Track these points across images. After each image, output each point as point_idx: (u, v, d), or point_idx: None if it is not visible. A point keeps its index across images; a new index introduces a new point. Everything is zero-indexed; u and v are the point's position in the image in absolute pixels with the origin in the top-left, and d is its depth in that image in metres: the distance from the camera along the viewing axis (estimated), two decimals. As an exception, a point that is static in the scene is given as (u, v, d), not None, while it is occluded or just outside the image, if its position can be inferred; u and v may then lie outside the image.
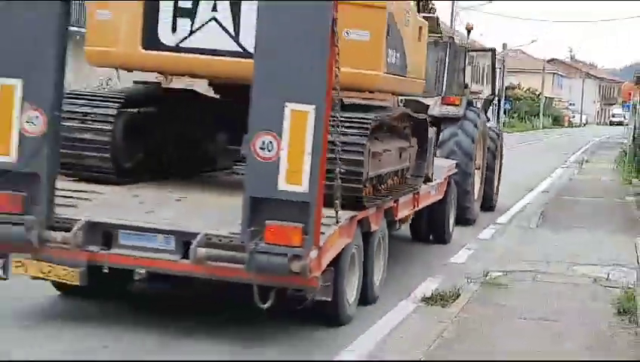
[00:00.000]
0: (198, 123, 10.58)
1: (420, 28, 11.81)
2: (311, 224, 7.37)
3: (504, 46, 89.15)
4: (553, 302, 10.62)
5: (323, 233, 7.65)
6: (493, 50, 21.35)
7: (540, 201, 22.97)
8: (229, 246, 7.68)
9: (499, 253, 14.33)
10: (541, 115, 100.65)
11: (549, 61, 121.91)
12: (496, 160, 19.71)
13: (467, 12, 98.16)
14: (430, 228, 14.95)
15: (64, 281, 8.10)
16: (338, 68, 7.54)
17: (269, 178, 7.38)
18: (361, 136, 8.85)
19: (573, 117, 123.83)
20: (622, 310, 10.05)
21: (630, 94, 49.09)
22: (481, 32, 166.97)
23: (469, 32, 21.74)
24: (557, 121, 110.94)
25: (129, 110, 9.68)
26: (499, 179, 20.25)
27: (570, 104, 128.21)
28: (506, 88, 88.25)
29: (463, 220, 16.78)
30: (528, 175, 31.86)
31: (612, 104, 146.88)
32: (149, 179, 9.80)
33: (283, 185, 7.39)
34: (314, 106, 7.32)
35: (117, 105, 9.48)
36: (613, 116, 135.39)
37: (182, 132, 10.55)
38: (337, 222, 8.08)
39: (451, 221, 15.28)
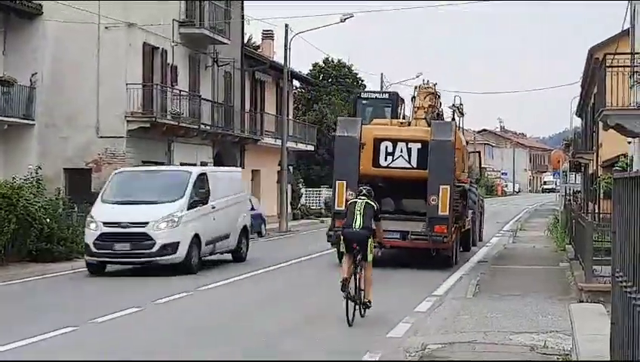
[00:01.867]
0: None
1: (469, 151, 30.78)
2: (450, 226, 23.70)
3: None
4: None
5: (452, 230, 24.08)
6: (479, 152, 37.17)
7: (476, 271, 23.16)
8: (421, 234, 23.64)
9: (436, 325, 14.35)
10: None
11: (479, 132, 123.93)
12: (482, 210, 35.07)
13: (397, 87, 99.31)
14: (462, 243, 27.63)
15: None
16: (462, 170, 27.20)
17: (435, 210, 23.42)
18: (459, 197, 25.75)
19: (506, 186, 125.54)
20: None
21: (559, 161, 50.00)
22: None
23: (467, 143, 34.45)
24: (490, 191, 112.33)
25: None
26: (483, 221, 35.07)
27: (503, 173, 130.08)
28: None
29: (471, 242, 30.24)
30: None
31: (543, 172, 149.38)
32: None
33: (440, 212, 23.43)
34: (449, 186, 23.59)
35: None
36: (544, 183, 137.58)
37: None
38: (454, 227, 24.55)
39: (471, 241, 29.92)
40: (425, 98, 26.96)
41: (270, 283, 20.85)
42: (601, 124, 25.92)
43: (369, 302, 14.77)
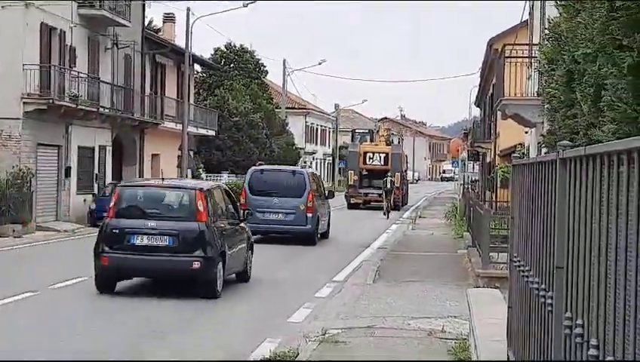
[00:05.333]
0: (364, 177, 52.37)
1: (404, 154, 58.39)
2: (400, 191, 50.10)
3: (336, 106, 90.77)
4: (391, 356, 10.70)
5: (402, 193, 51.84)
6: (406, 155, 63.28)
7: (376, 258, 23.31)
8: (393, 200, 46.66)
9: (336, 310, 14.40)
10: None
11: (380, 120, 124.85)
12: (407, 186, 58.77)
13: (297, 74, 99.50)
14: (401, 202, 51.52)
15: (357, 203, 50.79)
16: (403, 166, 55.01)
17: (394, 183, 46.23)
18: (403, 179, 52.31)
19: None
20: (457, 360, 10.21)
21: (458, 150, 51.07)
22: (314, 92, 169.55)
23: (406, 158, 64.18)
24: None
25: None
26: (408, 192, 58.41)
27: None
28: (340, 148, 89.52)
29: (403, 203, 52.74)
30: (364, 232, 32.37)
31: (442, 160, 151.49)
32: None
33: (396, 185, 46.97)
34: (400, 173, 50.34)
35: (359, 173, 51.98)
36: (443, 172, 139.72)
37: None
38: (402, 191, 52.01)
39: (404, 201, 53.74)
40: (383, 131, 58.86)
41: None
42: (499, 114, 26.35)
43: (389, 214, 42.40)
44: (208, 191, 16.48)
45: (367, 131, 62.93)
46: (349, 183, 51.79)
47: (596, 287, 4.02)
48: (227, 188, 19.03)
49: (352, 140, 59.24)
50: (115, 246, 15.61)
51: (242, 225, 18.26)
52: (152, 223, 15.66)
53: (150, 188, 17.46)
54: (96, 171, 37.54)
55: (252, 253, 18.35)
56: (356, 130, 63.30)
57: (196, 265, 15.25)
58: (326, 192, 31.38)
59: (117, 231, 15.75)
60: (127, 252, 15.56)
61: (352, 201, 50.94)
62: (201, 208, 15.61)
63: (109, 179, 38.70)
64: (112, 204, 16.26)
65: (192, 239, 15.48)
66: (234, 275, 17.19)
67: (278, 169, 30.61)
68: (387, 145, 54.45)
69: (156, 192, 16.95)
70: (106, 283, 15.82)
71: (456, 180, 64.96)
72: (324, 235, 29.02)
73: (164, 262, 15.44)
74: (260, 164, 30.35)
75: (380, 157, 51.79)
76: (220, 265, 15.67)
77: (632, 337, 3.36)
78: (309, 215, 26.92)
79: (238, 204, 19.90)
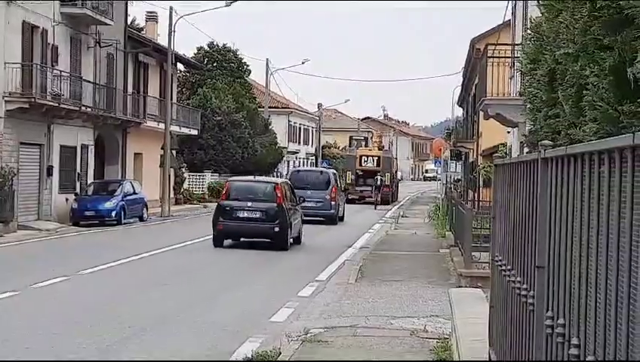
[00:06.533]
0: (359, 177, 60.60)
1: (394, 158, 68.91)
2: (390, 188, 60.01)
3: (319, 106, 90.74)
4: (373, 355, 10.70)
5: (391, 190, 61.10)
6: (396, 158, 74.04)
7: (359, 257, 23.32)
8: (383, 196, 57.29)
9: (319, 309, 14.39)
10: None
11: (363, 119, 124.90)
12: (398, 183, 70.80)
13: (280, 73, 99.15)
14: (392, 197, 60.10)
15: (354, 198, 57.76)
16: (393, 168, 64.01)
17: (383, 182, 58.07)
18: (393, 178, 62.46)
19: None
20: (439, 360, 10.21)
21: (441, 150, 50.88)
22: (298, 92, 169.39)
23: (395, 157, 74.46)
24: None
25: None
26: (398, 188, 68.54)
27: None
28: (323, 147, 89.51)
29: (393, 199, 60.50)
30: (347, 232, 32.39)
31: (425, 160, 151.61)
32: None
33: (385, 183, 58.44)
34: (389, 173, 60.21)
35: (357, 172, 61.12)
36: (426, 172, 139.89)
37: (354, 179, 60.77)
38: (392, 188, 61.14)
39: (394, 197, 61.99)
40: (377, 137, 70.31)
41: (150, 268, 20.58)
42: (481, 114, 26.40)
43: (377, 206, 52.02)
44: (282, 184, 26.36)
45: (362, 138, 74.98)
46: (347, 182, 58.77)
47: (577, 287, 4.03)
48: (289, 183, 29.48)
49: (350, 145, 69.00)
50: (226, 217, 24.63)
51: (297, 207, 26.79)
52: (249, 203, 24.85)
53: (248, 182, 27.20)
54: (78, 170, 37.39)
55: (302, 226, 27.02)
56: (353, 137, 74.61)
57: (276, 229, 24.25)
58: (342, 187, 45.01)
59: (228, 208, 24.82)
60: (234, 221, 24.54)
61: (349, 197, 55.82)
62: (279, 194, 24.76)
63: (91, 178, 38.56)
64: (224, 191, 25.99)
65: (273, 213, 24.38)
66: (291, 240, 25.02)
67: (310, 170, 49.96)
68: (379, 149, 62.98)
69: (252, 185, 26.22)
70: (219, 240, 24.77)
71: (439, 180, 65.16)
72: (341, 219, 39.12)
73: (257, 228, 24.56)
74: (296, 167, 47.58)
75: (373, 160, 60.37)
76: (289, 230, 24.64)
77: (613, 336, 3.37)
78: (333, 203, 37.45)
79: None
